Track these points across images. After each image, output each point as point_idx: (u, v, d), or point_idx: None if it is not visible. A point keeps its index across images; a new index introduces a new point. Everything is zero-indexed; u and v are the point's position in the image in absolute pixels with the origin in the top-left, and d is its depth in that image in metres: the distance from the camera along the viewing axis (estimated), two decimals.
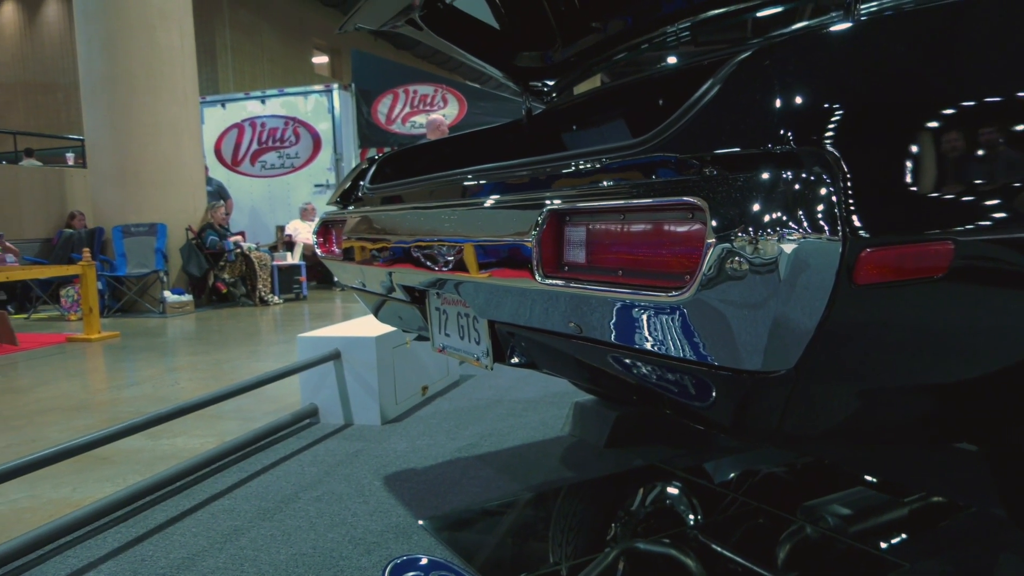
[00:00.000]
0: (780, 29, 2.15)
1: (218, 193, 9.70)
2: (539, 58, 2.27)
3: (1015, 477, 1.44)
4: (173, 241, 8.49)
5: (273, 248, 10.40)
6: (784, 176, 0.89)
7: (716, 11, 1.77)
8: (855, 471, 2.38)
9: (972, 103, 1.05)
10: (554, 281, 1.17)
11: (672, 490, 2.39)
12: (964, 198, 0.99)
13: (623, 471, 2.51)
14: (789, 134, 0.91)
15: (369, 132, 11.17)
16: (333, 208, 2.39)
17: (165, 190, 8.44)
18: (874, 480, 2.33)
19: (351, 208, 2.23)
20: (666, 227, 0.99)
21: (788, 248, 0.87)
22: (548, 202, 1.20)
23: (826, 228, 0.87)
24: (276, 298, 8.65)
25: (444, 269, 1.54)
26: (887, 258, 0.91)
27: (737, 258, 0.88)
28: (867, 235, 0.90)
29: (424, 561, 1.85)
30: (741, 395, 1.02)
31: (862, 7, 1.37)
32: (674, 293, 0.94)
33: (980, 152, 1.02)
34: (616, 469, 2.52)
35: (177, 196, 8.56)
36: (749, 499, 2.23)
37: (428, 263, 1.60)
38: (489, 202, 1.45)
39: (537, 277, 1.19)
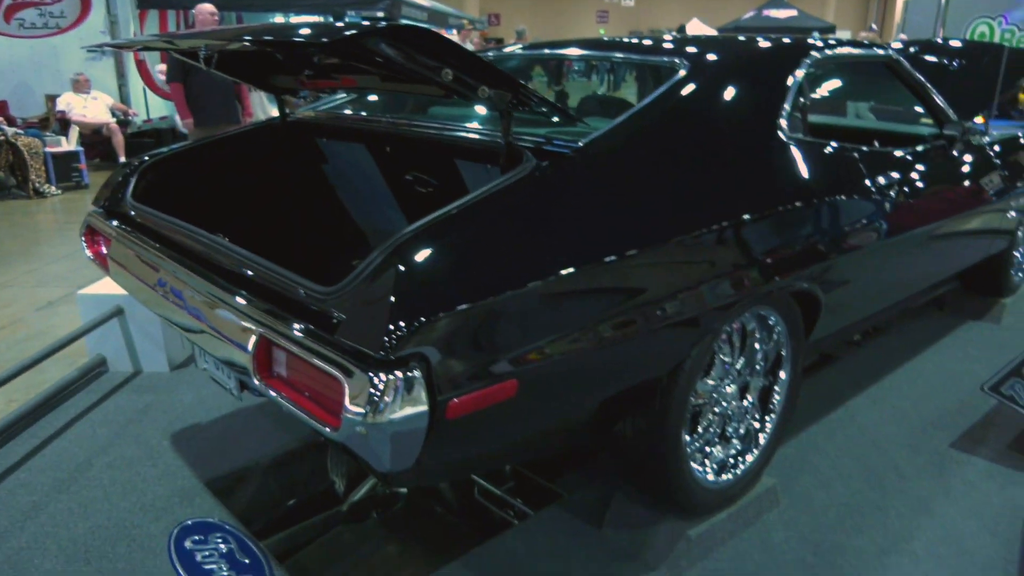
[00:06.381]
0: None
1: None
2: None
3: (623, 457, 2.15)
4: None
5: (44, 122, 9.55)
6: (391, 375, 1.37)
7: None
8: None
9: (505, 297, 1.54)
10: (264, 384, 1.61)
11: None
12: (518, 349, 1.53)
13: None
14: (393, 342, 1.39)
15: None
16: (98, 211, 2.57)
17: None
18: None
19: (115, 223, 2.44)
20: (329, 379, 1.45)
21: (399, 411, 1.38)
22: (258, 326, 1.62)
23: (423, 394, 1.39)
24: (53, 188, 8.15)
25: (198, 328, 1.91)
26: (468, 401, 1.45)
27: (367, 415, 1.37)
28: (451, 390, 1.42)
29: (204, 524, 2.32)
30: (383, 474, 1.56)
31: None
32: (331, 428, 1.43)
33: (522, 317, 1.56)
34: None
35: None
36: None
37: (187, 313, 1.95)
38: (220, 293, 1.82)
39: (256, 381, 1.62)
